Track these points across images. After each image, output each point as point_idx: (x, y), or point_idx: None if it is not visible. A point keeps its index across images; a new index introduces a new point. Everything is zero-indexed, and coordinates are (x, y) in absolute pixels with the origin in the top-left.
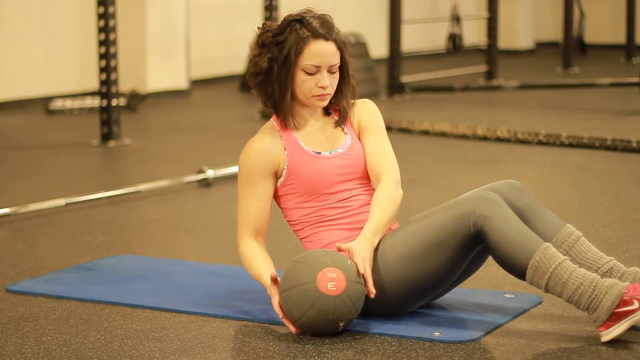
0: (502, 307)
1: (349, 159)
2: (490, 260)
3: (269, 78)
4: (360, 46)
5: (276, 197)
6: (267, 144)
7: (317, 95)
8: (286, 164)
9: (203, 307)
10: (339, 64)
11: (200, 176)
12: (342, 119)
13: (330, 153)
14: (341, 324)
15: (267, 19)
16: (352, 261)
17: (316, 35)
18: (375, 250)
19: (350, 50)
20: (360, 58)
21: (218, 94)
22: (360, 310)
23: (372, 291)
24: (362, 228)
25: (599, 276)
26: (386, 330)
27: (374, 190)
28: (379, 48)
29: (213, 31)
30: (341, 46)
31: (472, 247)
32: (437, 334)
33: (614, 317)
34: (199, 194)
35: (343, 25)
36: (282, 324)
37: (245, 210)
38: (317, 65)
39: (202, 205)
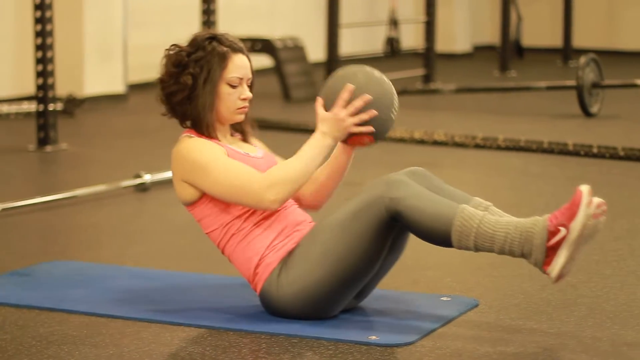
0: (438, 310)
1: (271, 162)
2: (426, 264)
3: (193, 95)
4: (298, 50)
5: (204, 203)
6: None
7: (239, 108)
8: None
9: (139, 313)
10: (252, 79)
11: (137, 181)
12: (247, 136)
13: (254, 155)
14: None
15: (204, 23)
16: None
17: (235, 49)
18: (294, 252)
19: (288, 54)
20: (298, 62)
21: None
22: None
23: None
24: (292, 232)
25: (521, 219)
26: (323, 334)
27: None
28: (316, 52)
29: (151, 35)
30: (251, 62)
31: (389, 231)
32: (374, 337)
33: (550, 251)
34: (136, 199)
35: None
36: (218, 328)
37: (238, 169)
38: (241, 77)
39: (139, 210)
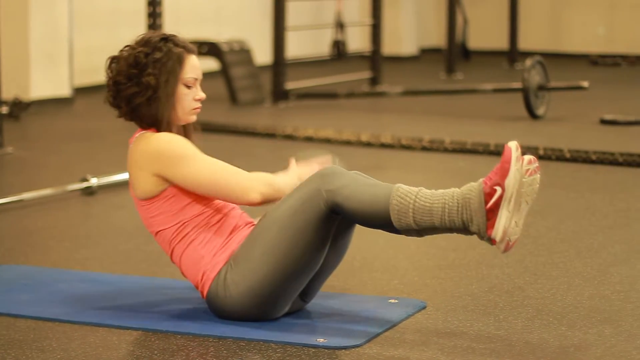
0: (386, 312)
1: None
2: (374, 266)
3: (154, 96)
4: (245, 53)
5: (166, 198)
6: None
7: (194, 109)
8: None
9: (87, 316)
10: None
11: (84, 184)
12: (190, 138)
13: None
14: None
15: (150, 26)
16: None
17: (188, 49)
18: (237, 252)
19: (234, 57)
20: (244, 65)
21: (102, 102)
22: None
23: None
24: (237, 234)
25: (455, 188)
26: (270, 337)
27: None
28: (263, 55)
29: (97, 39)
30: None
31: (329, 225)
32: (322, 340)
33: (490, 213)
34: (82, 203)
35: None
36: (166, 332)
37: (223, 166)
38: (196, 77)
39: (85, 213)
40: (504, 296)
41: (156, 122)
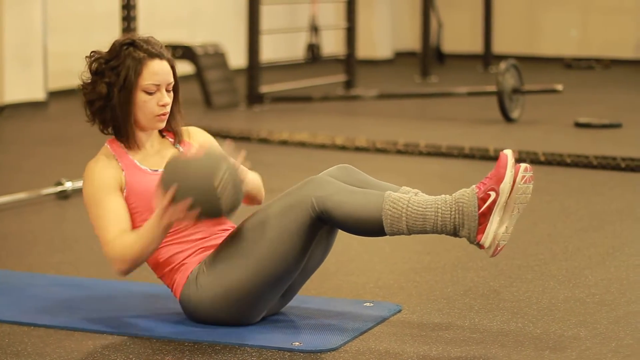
0: (361, 316)
1: None
2: (349, 270)
3: (109, 103)
4: (219, 56)
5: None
6: (105, 164)
7: (158, 115)
8: (125, 184)
9: (62, 321)
10: (173, 83)
11: (58, 188)
12: (178, 139)
13: (160, 170)
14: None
15: (124, 29)
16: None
17: (151, 55)
18: (214, 254)
19: (209, 61)
20: (219, 68)
21: (77, 106)
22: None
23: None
24: (212, 237)
25: (447, 195)
26: (246, 340)
27: None
28: (237, 58)
29: (71, 42)
30: (173, 65)
31: (314, 232)
32: (298, 343)
33: (482, 218)
34: (57, 206)
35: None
36: (141, 336)
37: (106, 218)
38: (157, 84)
39: (60, 217)
40: (479, 299)
41: (115, 128)
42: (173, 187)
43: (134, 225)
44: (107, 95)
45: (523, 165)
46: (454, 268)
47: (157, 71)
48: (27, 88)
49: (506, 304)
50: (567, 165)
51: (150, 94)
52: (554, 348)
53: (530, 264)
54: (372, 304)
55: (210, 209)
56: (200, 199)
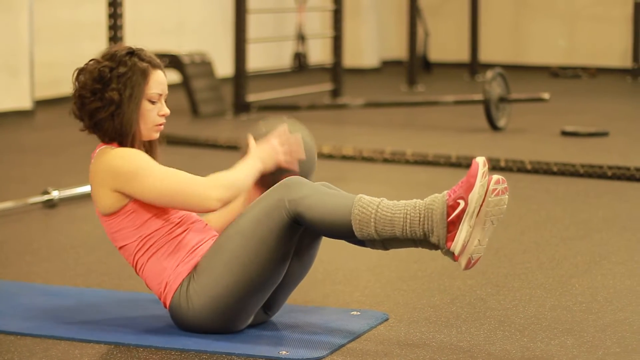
0: (348, 324)
1: None
2: (336, 278)
3: (118, 111)
4: (206, 65)
5: (127, 213)
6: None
7: (157, 125)
8: None
9: (48, 330)
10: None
11: (45, 197)
12: (154, 152)
13: None
14: None
15: (111, 38)
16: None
17: (154, 65)
18: (200, 264)
19: (195, 69)
20: (205, 77)
21: (63, 115)
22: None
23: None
24: (200, 246)
25: (418, 200)
26: (233, 349)
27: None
28: (224, 67)
29: (58, 51)
30: (166, 78)
31: (292, 235)
32: (284, 352)
33: (451, 226)
34: (43, 215)
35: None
36: (128, 345)
37: (177, 172)
38: (160, 93)
39: (47, 226)
40: (466, 308)
41: (118, 137)
42: (298, 134)
43: (135, 225)
44: (118, 103)
45: (495, 177)
46: (440, 277)
47: (161, 81)
48: (14, 97)
49: (493, 312)
50: (553, 173)
51: (153, 103)
52: (541, 356)
53: (516, 272)
54: (359, 313)
55: (304, 170)
56: (305, 164)
